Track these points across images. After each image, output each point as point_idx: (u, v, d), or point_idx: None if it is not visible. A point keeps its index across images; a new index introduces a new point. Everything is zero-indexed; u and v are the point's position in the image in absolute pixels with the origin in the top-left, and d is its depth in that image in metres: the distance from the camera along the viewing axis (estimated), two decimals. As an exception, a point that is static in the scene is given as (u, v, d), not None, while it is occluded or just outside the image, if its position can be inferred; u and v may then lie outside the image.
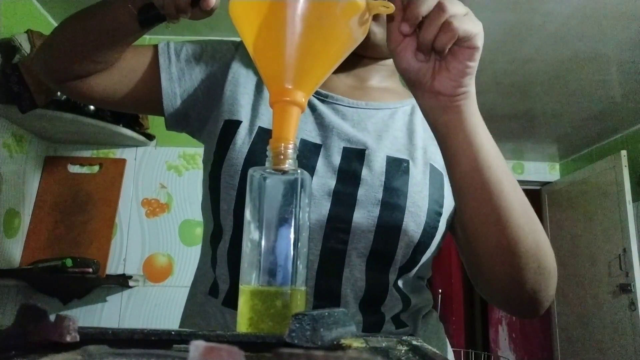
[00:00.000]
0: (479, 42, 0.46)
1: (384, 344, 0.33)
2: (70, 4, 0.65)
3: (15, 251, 1.87)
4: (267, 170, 0.41)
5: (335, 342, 0.30)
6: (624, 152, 3.27)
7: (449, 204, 0.64)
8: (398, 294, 0.63)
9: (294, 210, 0.40)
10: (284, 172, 0.41)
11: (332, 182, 0.61)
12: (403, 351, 0.32)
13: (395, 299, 0.63)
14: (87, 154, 2.09)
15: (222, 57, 0.70)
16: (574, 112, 3.15)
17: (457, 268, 4.07)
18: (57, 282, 1.75)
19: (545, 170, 4.30)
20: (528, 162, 4.24)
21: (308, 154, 0.62)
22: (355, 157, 0.62)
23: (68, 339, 0.27)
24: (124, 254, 2.02)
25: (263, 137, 0.62)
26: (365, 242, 0.59)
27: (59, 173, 2.02)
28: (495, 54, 2.36)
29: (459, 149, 0.51)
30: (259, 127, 0.63)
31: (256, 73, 0.69)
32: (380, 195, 0.60)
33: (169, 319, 1.98)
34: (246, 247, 0.41)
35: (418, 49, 0.48)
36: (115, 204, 2.01)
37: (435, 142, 0.67)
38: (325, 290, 0.59)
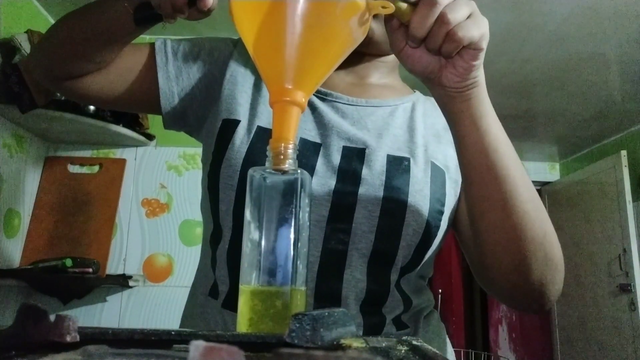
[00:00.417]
0: (484, 43, 0.46)
1: (384, 344, 0.33)
2: (70, 4, 0.65)
3: (15, 251, 1.87)
4: (267, 170, 0.41)
5: (335, 342, 0.30)
6: (624, 152, 3.27)
7: (450, 202, 0.64)
8: (399, 295, 0.63)
9: (294, 210, 0.40)
10: (284, 172, 0.41)
11: (332, 182, 0.60)
12: (403, 351, 0.32)
13: (397, 300, 0.62)
14: (87, 154, 2.09)
15: (220, 55, 0.69)
16: (574, 112, 3.15)
17: (457, 268, 4.07)
18: (57, 282, 1.75)
19: (545, 170, 4.30)
20: (528, 162, 4.24)
21: (307, 154, 0.62)
22: (355, 156, 0.62)
23: (68, 339, 0.27)
24: (124, 254, 2.02)
25: (262, 136, 0.62)
26: (366, 243, 0.59)
27: (59, 173, 2.02)
28: (495, 54, 2.36)
29: (466, 134, 0.52)
30: (258, 126, 0.63)
31: (254, 71, 0.68)
32: (381, 195, 0.59)
33: (169, 319, 1.98)
34: (246, 247, 0.41)
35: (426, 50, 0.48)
36: (115, 204, 2.01)
37: (436, 139, 0.68)
38: (326, 292, 0.59)
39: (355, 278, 0.59)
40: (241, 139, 0.62)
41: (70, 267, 1.74)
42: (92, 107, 1.82)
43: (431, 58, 0.49)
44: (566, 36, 2.20)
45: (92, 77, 0.65)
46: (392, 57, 0.70)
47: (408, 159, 0.63)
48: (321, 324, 0.29)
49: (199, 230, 2.07)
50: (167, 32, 2.05)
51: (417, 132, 0.67)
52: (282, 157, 0.41)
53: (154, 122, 2.06)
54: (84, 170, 2.06)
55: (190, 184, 2.10)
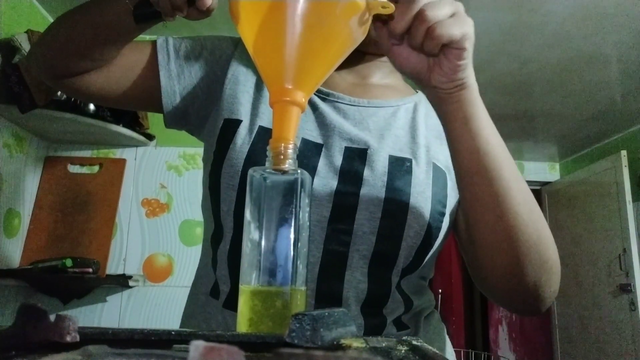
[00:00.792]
0: (467, 43, 0.46)
1: (384, 344, 0.33)
2: (70, 4, 0.65)
3: (15, 251, 1.87)
4: (267, 170, 0.41)
5: (335, 342, 0.30)
6: (624, 152, 3.27)
7: (451, 203, 0.63)
8: (400, 296, 0.63)
9: (294, 210, 0.40)
10: (284, 172, 0.41)
11: (333, 183, 0.60)
12: (403, 351, 0.32)
13: (398, 301, 0.62)
14: (87, 154, 2.09)
15: (221, 54, 0.69)
16: (574, 112, 3.15)
17: (457, 268, 4.07)
18: (57, 282, 1.76)
19: (545, 170, 4.30)
20: (528, 162, 4.24)
21: (309, 154, 0.62)
22: (357, 156, 0.62)
23: (68, 339, 0.27)
24: (124, 254, 2.02)
25: (263, 136, 0.61)
26: (368, 244, 0.59)
27: (59, 173, 2.02)
28: (495, 54, 2.36)
29: (457, 135, 0.52)
30: (259, 126, 0.62)
31: (256, 71, 0.68)
32: (382, 196, 0.59)
33: (169, 319, 1.98)
34: (246, 247, 0.41)
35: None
36: (115, 204, 2.01)
37: (437, 140, 0.67)
38: (327, 293, 0.58)
39: (356, 279, 0.59)
40: (243, 139, 0.62)
41: (70, 267, 1.74)
42: (92, 107, 1.82)
43: (419, 57, 0.50)
44: (566, 36, 2.20)
45: (93, 75, 0.65)
46: None
47: (410, 160, 0.63)
48: (321, 324, 0.29)
49: (199, 230, 2.07)
50: (168, 32, 2.05)
51: (419, 133, 0.67)
52: (282, 157, 0.41)
53: (154, 122, 2.06)
54: (84, 170, 2.06)
55: (190, 184, 2.10)
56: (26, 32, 1.72)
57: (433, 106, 0.54)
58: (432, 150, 0.66)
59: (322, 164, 0.61)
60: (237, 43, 0.70)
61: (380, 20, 0.49)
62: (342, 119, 0.65)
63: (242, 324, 0.40)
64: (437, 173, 0.64)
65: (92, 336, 0.29)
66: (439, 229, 0.62)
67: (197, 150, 2.09)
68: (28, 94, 1.62)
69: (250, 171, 0.42)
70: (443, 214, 0.62)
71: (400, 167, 0.62)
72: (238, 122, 0.64)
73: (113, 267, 1.99)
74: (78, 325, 0.28)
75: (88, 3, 0.61)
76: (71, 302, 1.87)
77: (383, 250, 0.59)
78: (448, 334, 0.72)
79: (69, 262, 1.74)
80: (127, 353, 0.27)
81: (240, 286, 0.41)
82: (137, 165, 2.10)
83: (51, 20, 2.05)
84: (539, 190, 4.30)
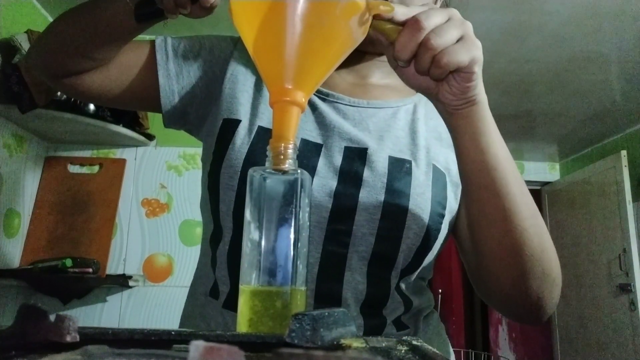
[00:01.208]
0: (476, 67, 0.46)
1: (384, 344, 0.33)
2: (70, 4, 0.64)
3: (15, 251, 1.87)
4: (267, 170, 0.41)
5: (335, 342, 0.30)
6: (624, 152, 3.27)
7: (451, 205, 0.63)
8: (400, 297, 0.62)
9: (294, 210, 0.40)
10: (284, 172, 0.41)
11: (333, 183, 0.60)
12: (403, 351, 0.32)
13: (397, 301, 0.62)
14: (87, 154, 2.09)
15: (220, 53, 0.68)
16: (574, 112, 3.15)
17: (457, 268, 4.07)
18: (57, 282, 1.76)
19: (545, 170, 4.30)
20: (528, 162, 4.24)
21: (309, 154, 0.61)
22: (356, 157, 0.62)
23: (68, 339, 0.27)
24: (124, 254, 2.02)
25: (263, 136, 0.61)
26: (367, 246, 0.59)
27: (59, 173, 2.02)
28: (495, 54, 2.36)
29: (465, 150, 0.52)
30: (259, 126, 0.62)
31: (255, 71, 0.68)
32: (382, 198, 0.59)
33: (169, 319, 1.98)
34: (246, 247, 0.41)
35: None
36: (115, 204, 2.01)
37: (437, 142, 0.67)
38: (326, 294, 0.58)
39: (355, 280, 0.59)
40: (242, 139, 0.61)
41: (70, 267, 1.74)
42: (92, 107, 1.82)
43: (426, 77, 0.49)
44: (566, 36, 2.20)
45: (92, 75, 0.64)
46: None
47: (410, 162, 0.62)
48: (321, 324, 0.29)
49: (199, 230, 2.07)
50: (167, 32, 2.05)
51: (419, 134, 0.66)
52: (282, 157, 0.41)
53: (154, 122, 2.06)
54: (84, 170, 2.06)
55: (190, 184, 2.10)
56: (26, 32, 1.72)
57: (442, 118, 0.54)
58: (432, 151, 0.65)
59: (321, 164, 0.61)
60: (236, 42, 0.70)
61: (385, 39, 0.48)
62: (342, 119, 0.65)
63: (242, 324, 0.40)
64: (437, 174, 0.63)
65: (92, 336, 0.29)
66: (438, 230, 0.61)
67: (197, 150, 2.09)
68: (28, 94, 1.62)
69: (250, 171, 0.42)
70: (442, 216, 0.62)
71: (400, 168, 0.61)
72: (237, 122, 0.63)
73: (113, 267, 1.99)
74: (78, 325, 0.28)
75: (88, 3, 0.61)
76: (71, 302, 1.87)
77: (382, 251, 0.59)
78: (448, 333, 0.72)
79: (69, 262, 1.74)
80: (127, 353, 0.27)
81: (240, 286, 0.41)
82: (137, 165, 2.10)
83: (51, 20, 2.05)
84: (539, 190, 4.30)
